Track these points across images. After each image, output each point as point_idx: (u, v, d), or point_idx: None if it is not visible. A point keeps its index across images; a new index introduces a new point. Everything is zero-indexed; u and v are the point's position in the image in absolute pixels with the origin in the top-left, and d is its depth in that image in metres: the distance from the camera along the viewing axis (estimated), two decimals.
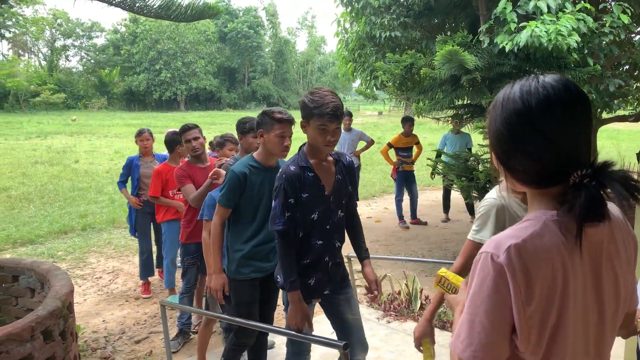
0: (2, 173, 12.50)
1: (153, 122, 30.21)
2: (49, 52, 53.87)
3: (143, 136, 5.21)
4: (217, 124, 28.02)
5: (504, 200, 2.01)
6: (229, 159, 3.68)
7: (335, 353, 3.03)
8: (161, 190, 4.54)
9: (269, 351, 3.59)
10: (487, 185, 5.65)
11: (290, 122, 2.73)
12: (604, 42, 5.12)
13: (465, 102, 6.27)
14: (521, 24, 4.66)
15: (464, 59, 4.85)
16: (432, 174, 6.98)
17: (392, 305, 4.48)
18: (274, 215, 2.38)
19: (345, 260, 2.81)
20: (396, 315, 4.34)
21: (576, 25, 4.47)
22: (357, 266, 3.19)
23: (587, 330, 1.01)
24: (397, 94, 7.21)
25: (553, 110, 0.97)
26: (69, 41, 54.44)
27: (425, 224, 7.82)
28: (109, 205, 9.12)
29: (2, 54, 50.37)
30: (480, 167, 5.72)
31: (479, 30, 5.24)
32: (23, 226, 7.57)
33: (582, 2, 4.84)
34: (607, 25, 4.92)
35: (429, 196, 9.97)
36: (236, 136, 3.73)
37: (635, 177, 0.95)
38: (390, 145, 7.84)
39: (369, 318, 4.27)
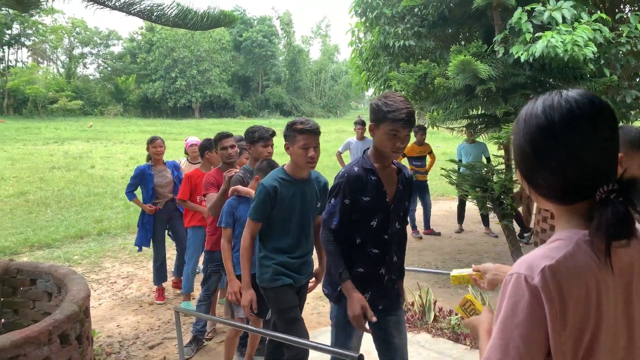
0: (21, 178, 12.71)
1: (168, 129, 30.53)
2: (67, 59, 54.78)
3: (156, 143, 5.20)
4: (231, 131, 28.19)
5: None
6: (238, 170, 3.70)
7: None
8: (189, 194, 4.56)
9: None
10: (502, 196, 5.62)
11: (313, 132, 2.68)
12: (621, 52, 5.10)
13: (479, 112, 6.27)
14: (536, 34, 4.65)
15: (477, 68, 4.85)
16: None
17: (405, 317, 4.46)
18: (330, 213, 2.34)
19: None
20: (409, 327, 4.32)
21: (592, 36, 4.45)
22: None
23: (617, 354, 0.98)
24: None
25: (576, 124, 0.95)
26: (86, 49, 55.36)
27: (439, 234, 7.78)
28: (124, 210, 9.23)
29: (21, 61, 51.28)
30: (495, 178, 5.69)
31: (493, 40, 5.25)
32: (40, 230, 7.69)
33: (599, 12, 4.82)
34: (624, 35, 4.90)
35: (443, 206, 9.93)
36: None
37: None
38: (403, 155, 7.83)
39: None
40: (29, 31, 48.21)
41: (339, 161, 8.17)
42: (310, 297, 3.64)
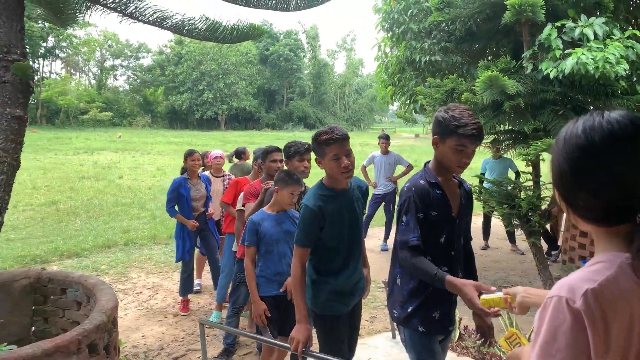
0: (52, 187, 13.05)
1: (194, 141, 31.03)
2: (99, 71, 56.40)
3: (194, 156, 5.26)
4: (255, 143, 28.47)
5: None
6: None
7: None
8: (233, 199, 4.57)
9: None
10: (529, 213, 5.52)
11: (341, 139, 2.47)
12: None
13: (506, 128, 6.19)
14: (566, 51, 4.59)
15: (504, 84, 4.80)
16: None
17: None
18: (407, 229, 2.20)
19: None
20: None
21: (625, 53, 4.37)
22: None
23: None
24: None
25: (618, 145, 0.94)
26: (117, 61, 57.01)
27: None
28: (150, 221, 9.37)
29: (55, 73, 53.01)
30: (522, 195, 5.60)
31: (522, 56, 5.20)
32: (70, 239, 7.86)
33: (631, 29, 4.74)
34: None
35: None
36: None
37: None
38: None
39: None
40: (63, 44, 49.96)
41: (364, 175, 8.16)
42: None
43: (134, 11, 4.13)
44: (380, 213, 7.86)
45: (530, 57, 5.07)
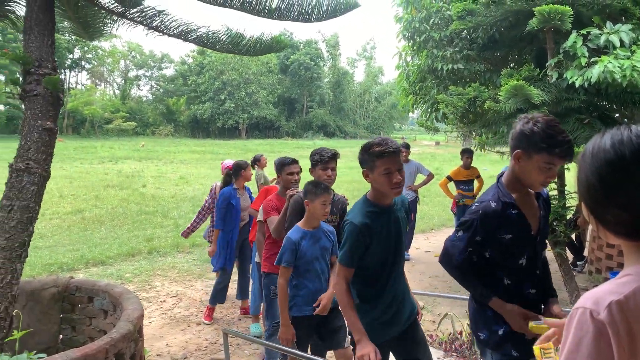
0: (78, 195, 13.33)
1: (216, 149, 31.39)
2: (123, 82, 57.57)
3: (249, 168, 5.32)
4: (276, 152, 28.67)
5: None
6: (301, 190, 3.56)
7: None
8: None
9: None
10: (554, 223, 5.43)
11: (395, 152, 2.29)
12: None
13: None
14: (592, 59, 4.52)
15: (530, 93, 4.75)
16: None
17: (453, 346, 4.35)
18: (455, 245, 2.14)
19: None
20: (458, 356, 4.21)
21: None
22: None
23: None
24: (459, 126, 7.14)
25: None
26: (141, 72, 58.16)
27: None
28: (173, 229, 9.49)
29: (81, 84, 54.31)
30: None
31: (546, 65, 5.14)
32: (95, 247, 8.01)
33: None
34: None
35: None
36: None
37: None
38: (449, 179, 7.73)
39: None
40: (89, 55, 51.17)
41: None
42: None
43: (159, 24, 4.21)
44: None
45: (555, 66, 5.01)
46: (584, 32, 4.69)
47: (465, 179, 7.61)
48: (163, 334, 4.83)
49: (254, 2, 4.37)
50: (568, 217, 5.65)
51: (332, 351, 3.33)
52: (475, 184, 7.74)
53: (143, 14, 4.16)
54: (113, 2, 4.07)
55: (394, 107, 57.85)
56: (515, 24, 5.63)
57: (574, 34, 4.68)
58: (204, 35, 4.61)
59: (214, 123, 51.60)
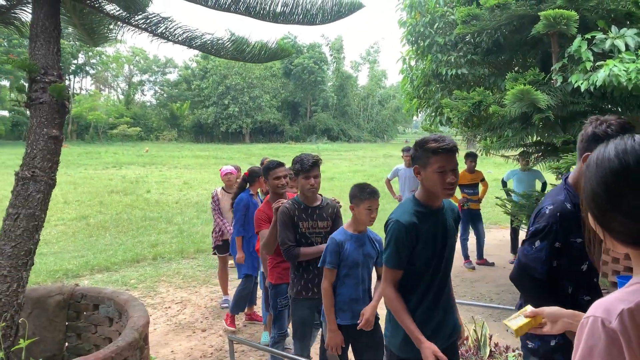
0: (82, 201, 13.36)
1: (220, 154, 31.44)
2: (127, 87, 57.77)
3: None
4: (280, 156, 28.67)
5: None
6: (286, 200, 3.46)
7: None
8: None
9: None
10: None
11: (451, 151, 2.17)
12: None
13: (535, 140, 6.10)
14: (597, 63, 4.51)
15: (536, 98, 4.74)
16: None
17: (459, 352, 4.32)
18: (536, 258, 2.02)
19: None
20: None
21: None
22: None
23: None
24: (464, 130, 7.13)
25: None
26: (145, 77, 58.31)
27: (492, 264, 7.54)
28: (178, 235, 9.49)
29: (85, 89, 54.57)
30: None
31: (551, 69, 5.12)
32: (100, 253, 8.02)
33: None
34: None
35: (496, 235, 9.64)
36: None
37: None
38: None
39: None
40: (93, 61, 51.40)
41: (388, 188, 8.14)
42: None
43: (164, 31, 4.22)
44: None
45: (560, 70, 5.00)
46: (588, 36, 4.68)
47: (470, 183, 7.59)
48: (168, 341, 4.82)
49: (258, 7, 4.38)
50: None
51: None
52: (480, 187, 7.72)
53: (148, 21, 4.18)
54: (118, 9, 4.09)
55: (398, 111, 57.88)
56: (520, 28, 5.63)
57: (578, 38, 4.67)
58: (209, 42, 4.62)
59: (218, 127, 51.70)
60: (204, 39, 4.56)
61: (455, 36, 6.31)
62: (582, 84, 4.55)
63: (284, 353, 3.26)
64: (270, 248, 3.47)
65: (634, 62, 4.27)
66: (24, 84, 3.61)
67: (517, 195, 6.37)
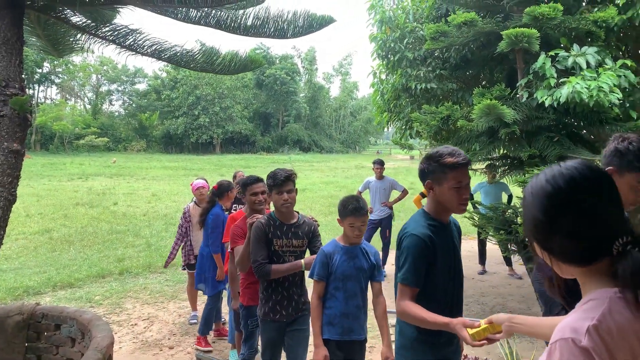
0: (46, 214, 12.95)
1: (189, 165, 31.04)
2: (94, 96, 56.64)
3: (234, 190, 5.17)
4: (251, 167, 28.52)
5: None
6: (261, 216, 3.37)
7: None
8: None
9: None
10: (526, 239, 5.51)
11: (467, 165, 2.08)
12: None
13: (502, 154, 6.24)
14: (561, 80, 4.66)
15: (502, 112, 4.85)
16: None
17: None
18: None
19: None
20: None
21: (617, 82, 4.44)
22: None
23: None
24: (432, 144, 7.24)
25: (582, 185, 1.03)
26: (113, 86, 57.31)
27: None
28: (145, 249, 9.28)
29: (50, 98, 53.22)
30: (519, 220, 5.60)
31: (517, 85, 5.26)
32: (63, 269, 7.75)
33: (622, 59, 4.82)
34: None
35: (464, 246, 9.70)
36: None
37: None
38: (423, 195, 7.76)
39: None
40: (59, 70, 50.26)
41: None
42: None
43: (132, 44, 4.16)
44: (376, 238, 7.82)
45: (525, 85, 5.14)
46: (552, 53, 4.83)
47: None
48: None
49: (229, 21, 4.37)
50: None
51: None
52: None
53: (115, 33, 4.11)
54: (84, 20, 4.01)
55: (370, 122, 58.53)
56: (487, 44, 5.77)
57: (542, 56, 4.82)
58: (178, 54, 4.57)
59: (188, 138, 51.16)
60: (174, 51, 4.51)
61: (424, 51, 6.42)
62: (546, 99, 4.69)
63: None
64: (244, 266, 3.38)
65: (595, 79, 4.43)
66: None
67: (484, 207, 6.47)
